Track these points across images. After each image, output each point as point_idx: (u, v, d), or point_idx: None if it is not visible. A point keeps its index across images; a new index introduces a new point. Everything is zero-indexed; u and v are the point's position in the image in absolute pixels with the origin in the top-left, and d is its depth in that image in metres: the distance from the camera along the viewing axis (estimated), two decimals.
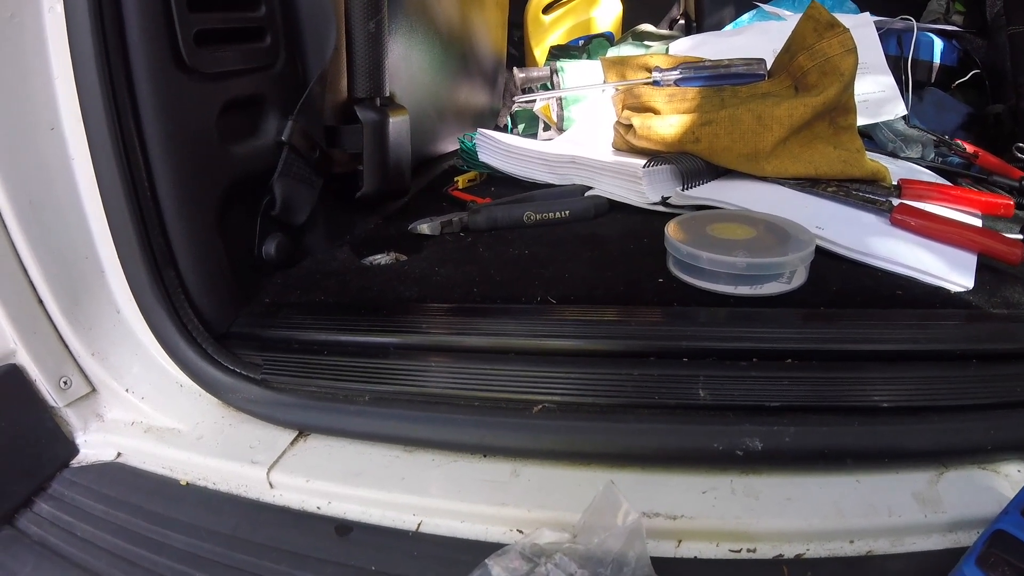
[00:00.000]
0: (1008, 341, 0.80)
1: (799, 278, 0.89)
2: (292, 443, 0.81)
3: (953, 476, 0.69)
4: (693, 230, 0.94)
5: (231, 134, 0.94)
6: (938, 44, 1.70)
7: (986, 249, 0.95)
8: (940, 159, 1.43)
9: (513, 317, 0.87)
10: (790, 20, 1.67)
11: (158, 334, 0.86)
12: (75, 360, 0.87)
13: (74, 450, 0.86)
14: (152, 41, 0.81)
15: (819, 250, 0.92)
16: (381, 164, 1.14)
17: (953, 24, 1.76)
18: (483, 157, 1.44)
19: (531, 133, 1.70)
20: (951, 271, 0.91)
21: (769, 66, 1.29)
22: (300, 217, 1.05)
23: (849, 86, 1.15)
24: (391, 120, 1.13)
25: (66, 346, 0.86)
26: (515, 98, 1.61)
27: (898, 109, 1.49)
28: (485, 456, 0.76)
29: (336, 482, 0.75)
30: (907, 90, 1.60)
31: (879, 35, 1.58)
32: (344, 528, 0.72)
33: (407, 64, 1.33)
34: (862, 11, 1.68)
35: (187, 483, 0.80)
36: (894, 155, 1.42)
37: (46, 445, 0.84)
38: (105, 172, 0.81)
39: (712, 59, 1.33)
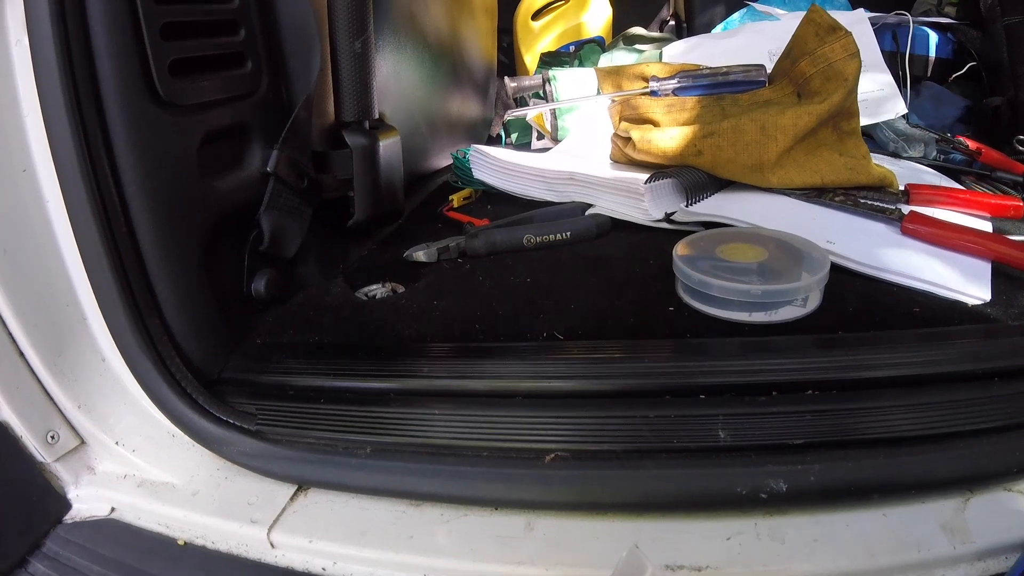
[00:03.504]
0: None
1: (814, 300, 0.86)
2: (292, 499, 0.78)
3: (979, 501, 0.67)
4: (702, 253, 0.91)
5: (213, 168, 0.90)
6: (933, 37, 1.68)
7: (1000, 256, 0.93)
8: (942, 157, 1.40)
9: (519, 356, 0.83)
10: (784, 19, 1.64)
11: (144, 384, 0.82)
12: (61, 413, 0.83)
13: (67, 505, 0.83)
14: (124, 74, 0.77)
15: (832, 267, 0.88)
16: (372, 189, 1.10)
17: (946, 16, 1.74)
18: (478, 174, 1.40)
19: (525, 142, 1.67)
20: (967, 283, 0.88)
21: (769, 71, 1.25)
22: (290, 250, 1.01)
23: (853, 91, 1.12)
24: (381, 143, 1.10)
25: (51, 399, 0.83)
26: (508, 112, 1.58)
27: (898, 107, 1.46)
28: (497, 509, 0.73)
29: (340, 542, 0.72)
30: (904, 86, 1.57)
31: (873, 30, 1.56)
32: None
33: (396, 81, 1.29)
34: (854, 8, 1.65)
35: (184, 543, 0.77)
36: (896, 155, 1.40)
37: (38, 502, 0.81)
38: (79, 215, 0.77)
39: (709, 64, 1.29)
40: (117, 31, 0.77)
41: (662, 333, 0.85)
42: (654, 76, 1.27)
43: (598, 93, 1.39)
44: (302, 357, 0.89)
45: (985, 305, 0.86)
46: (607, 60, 1.83)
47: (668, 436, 0.71)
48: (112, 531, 0.80)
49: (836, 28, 1.12)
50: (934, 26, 1.70)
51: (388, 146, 1.12)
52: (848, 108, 1.14)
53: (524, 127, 1.67)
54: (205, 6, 0.90)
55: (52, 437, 0.82)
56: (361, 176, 1.08)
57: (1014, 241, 0.94)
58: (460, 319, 0.92)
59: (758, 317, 0.84)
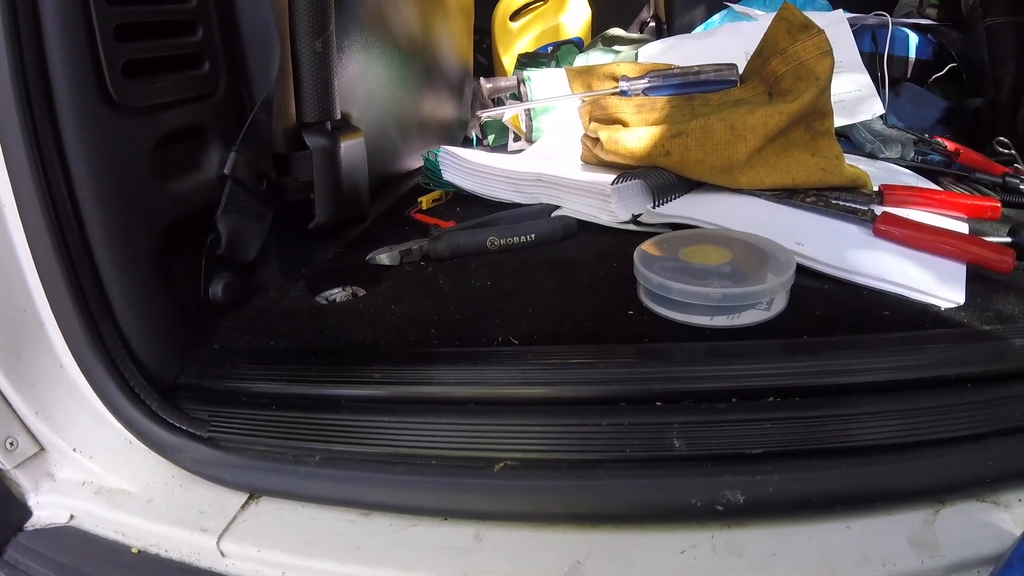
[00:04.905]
0: (1003, 361, 0.76)
1: (779, 304, 0.84)
2: (243, 507, 0.76)
3: (950, 513, 0.65)
4: (665, 255, 0.89)
5: (169, 170, 0.88)
6: (913, 39, 1.68)
7: (975, 258, 0.91)
8: (920, 158, 1.39)
9: (471, 362, 0.81)
10: (762, 20, 1.63)
11: (99, 390, 0.81)
12: (20, 419, 0.82)
13: (27, 512, 0.82)
14: (76, 76, 0.76)
15: (800, 268, 0.87)
16: (334, 192, 1.08)
17: (927, 17, 1.73)
18: (447, 176, 1.38)
19: (502, 144, 1.66)
20: (940, 286, 0.86)
21: (741, 71, 1.24)
22: (249, 254, 0.99)
23: (825, 90, 1.10)
24: (343, 145, 1.08)
25: (9, 405, 0.81)
26: (480, 112, 1.56)
27: (875, 108, 1.45)
28: (446, 519, 0.71)
29: (288, 552, 0.70)
30: (883, 87, 1.56)
31: (853, 31, 1.55)
32: None
33: (364, 82, 1.28)
34: (834, 8, 1.64)
35: (138, 550, 0.76)
36: (872, 156, 1.39)
37: None
38: (31, 220, 0.76)
39: (682, 64, 1.28)
40: (69, 33, 0.76)
41: (620, 338, 0.83)
42: (624, 76, 1.25)
43: (570, 94, 1.37)
44: (256, 362, 0.88)
45: (959, 308, 0.83)
46: (583, 61, 1.82)
47: (621, 445, 0.70)
48: (70, 539, 0.79)
49: (808, 26, 1.10)
50: (914, 27, 1.69)
51: (350, 147, 1.09)
52: (821, 108, 1.13)
53: (501, 129, 1.66)
54: (161, 6, 0.88)
55: (11, 444, 0.81)
56: (321, 177, 1.06)
57: (990, 243, 0.92)
58: (416, 323, 0.90)
59: (720, 321, 0.82)
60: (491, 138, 1.70)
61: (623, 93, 1.24)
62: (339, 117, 1.11)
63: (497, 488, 0.69)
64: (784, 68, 1.11)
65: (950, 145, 1.35)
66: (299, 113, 1.06)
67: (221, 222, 0.95)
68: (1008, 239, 0.95)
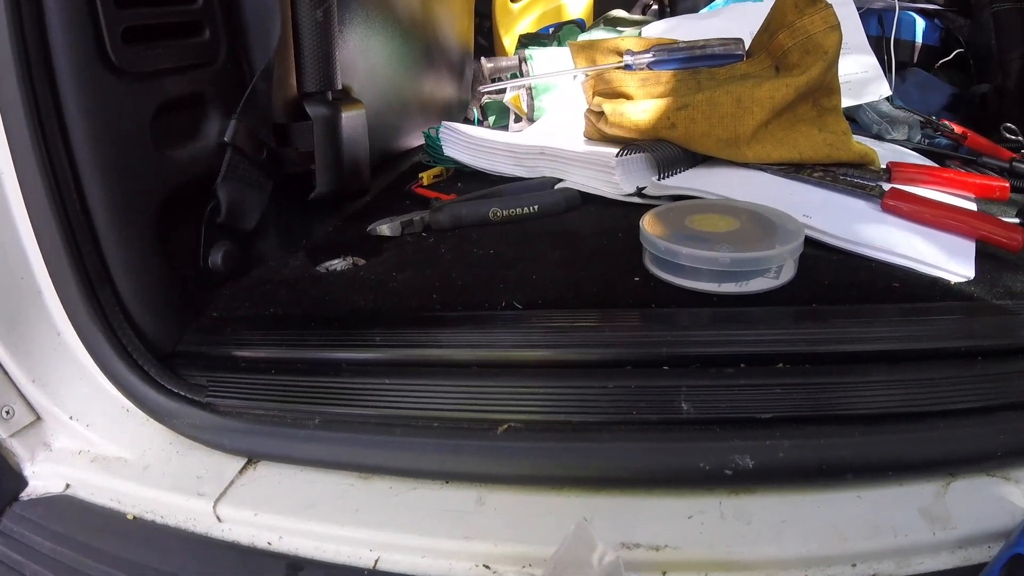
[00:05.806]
0: (1014, 336, 0.75)
1: (787, 272, 0.83)
2: (241, 472, 0.75)
3: (961, 486, 0.64)
4: (671, 223, 0.88)
5: (168, 138, 0.87)
6: (920, 23, 1.67)
7: (984, 235, 0.90)
8: (927, 141, 1.39)
9: (475, 326, 0.80)
10: (766, 1, 1.61)
11: (97, 357, 0.80)
12: (16, 387, 0.81)
13: (23, 482, 0.81)
14: (76, 41, 0.75)
15: (808, 241, 0.86)
16: (335, 162, 1.07)
17: (934, 2, 1.73)
18: (448, 151, 1.37)
19: (502, 125, 1.64)
20: (950, 260, 0.85)
21: (747, 46, 1.22)
22: (249, 223, 0.98)
23: (833, 65, 1.09)
24: (344, 115, 1.07)
25: (5, 374, 0.80)
26: (482, 88, 1.55)
27: (882, 90, 1.44)
28: (447, 483, 0.70)
29: (287, 515, 0.69)
30: (890, 71, 1.55)
31: (859, 15, 1.53)
32: (295, 566, 0.67)
33: (364, 57, 1.27)
34: None
35: (134, 517, 0.75)
36: (879, 137, 1.37)
37: None
38: (30, 186, 0.75)
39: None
40: None
41: (625, 304, 0.82)
42: (629, 50, 1.23)
43: (573, 69, 1.36)
44: (256, 329, 0.87)
45: (969, 283, 0.82)
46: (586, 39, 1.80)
47: (627, 408, 0.69)
48: (65, 507, 0.78)
49: (815, 0, 1.08)
50: (921, 12, 1.68)
51: (351, 118, 1.08)
52: (828, 83, 1.11)
53: (502, 109, 1.64)
54: None
55: (7, 412, 0.80)
56: (322, 147, 1.05)
57: (1000, 220, 0.91)
58: (418, 290, 0.89)
59: (728, 288, 0.81)
60: (492, 119, 1.68)
61: (628, 67, 1.23)
62: (340, 88, 1.10)
63: (500, 450, 0.68)
64: (791, 42, 1.10)
65: (957, 128, 1.34)
66: (300, 83, 1.05)
67: (221, 190, 0.94)
68: (1017, 219, 0.94)
